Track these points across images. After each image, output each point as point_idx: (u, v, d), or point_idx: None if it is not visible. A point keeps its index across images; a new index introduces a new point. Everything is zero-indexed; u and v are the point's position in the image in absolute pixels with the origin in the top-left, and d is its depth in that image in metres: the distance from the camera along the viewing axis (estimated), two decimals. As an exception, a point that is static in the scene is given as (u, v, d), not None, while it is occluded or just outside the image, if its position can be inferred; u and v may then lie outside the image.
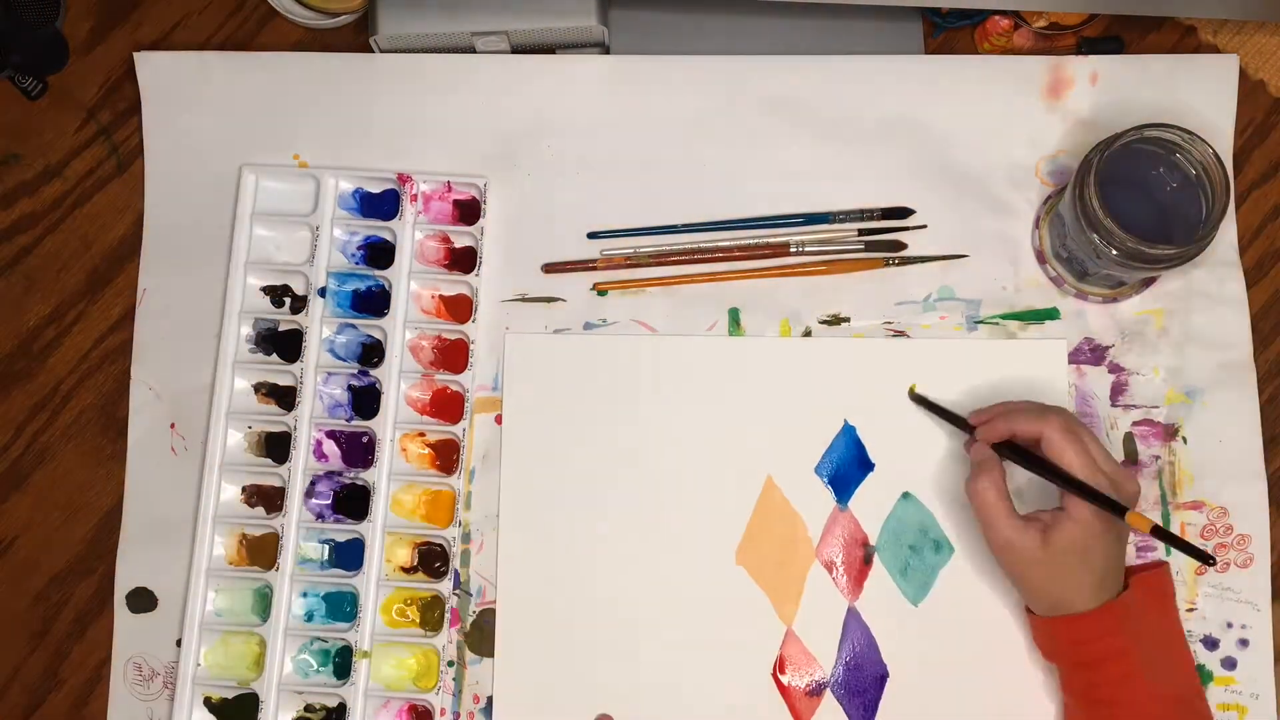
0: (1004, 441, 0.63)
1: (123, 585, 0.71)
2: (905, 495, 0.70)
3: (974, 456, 0.64)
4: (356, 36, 0.76)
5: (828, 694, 0.68)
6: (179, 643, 0.70)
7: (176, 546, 0.70)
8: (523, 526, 0.70)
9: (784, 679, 0.69)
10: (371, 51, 0.74)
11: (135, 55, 0.74)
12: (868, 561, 0.70)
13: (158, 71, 0.74)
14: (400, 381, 0.71)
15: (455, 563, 0.70)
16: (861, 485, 0.70)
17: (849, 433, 0.71)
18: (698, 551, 0.70)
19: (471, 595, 0.70)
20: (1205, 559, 0.58)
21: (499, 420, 0.71)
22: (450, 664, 0.69)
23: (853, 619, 0.69)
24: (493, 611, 0.70)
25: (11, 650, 0.71)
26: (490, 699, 0.69)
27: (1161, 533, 0.58)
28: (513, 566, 0.70)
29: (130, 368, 0.72)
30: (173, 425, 0.72)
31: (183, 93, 0.74)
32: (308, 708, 0.69)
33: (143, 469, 0.72)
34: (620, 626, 0.69)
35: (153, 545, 0.71)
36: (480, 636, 0.69)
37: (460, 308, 0.72)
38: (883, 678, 0.68)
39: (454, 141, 0.73)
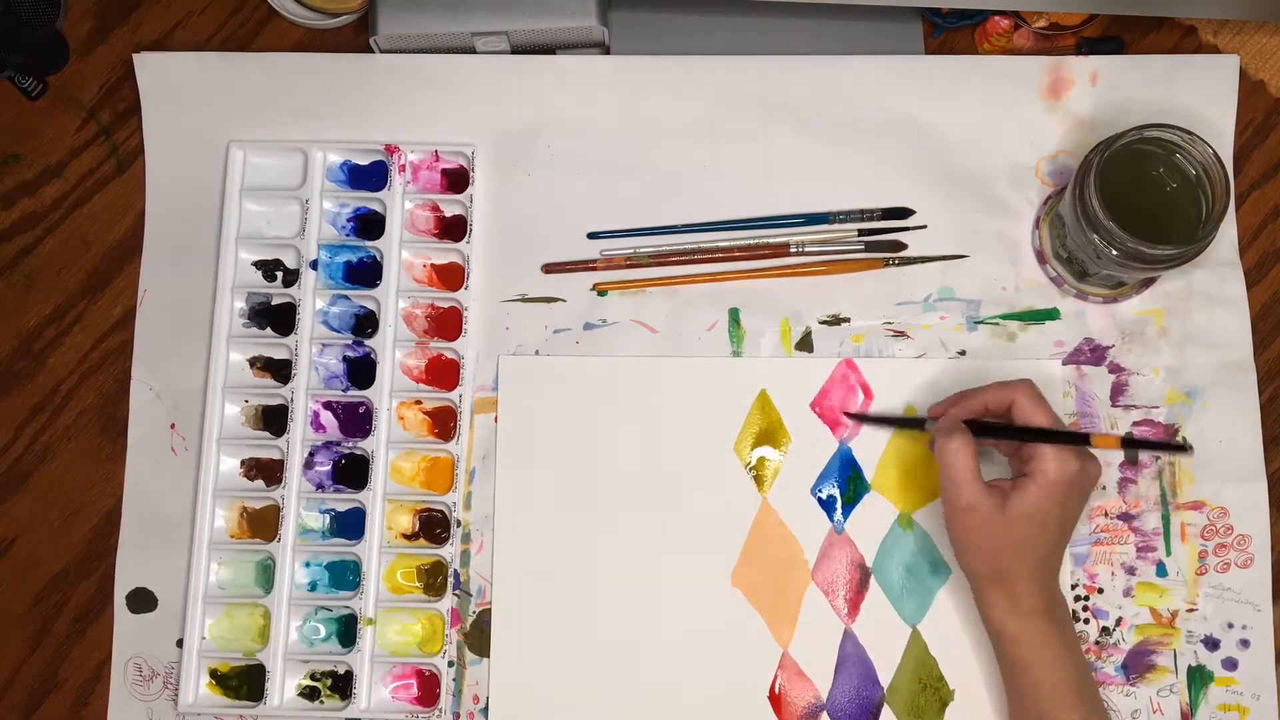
0: (967, 421, 0.63)
1: (122, 585, 0.70)
2: (901, 516, 0.70)
3: (945, 424, 0.63)
4: (356, 36, 0.76)
5: (824, 717, 0.68)
6: (179, 643, 0.70)
7: (176, 547, 0.70)
8: (518, 549, 0.70)
9: (780, 702, 0.68)
10: (371, 51, 0.74)
11: (135, 56, 0.74)
12: (864, 584, 0.69)
13: (157, 72, 0.74)
14: (395, 350, 0.71)
15: (455, 548, 0.70)
16: (858, 507, 0.70)
17: (845, 454, 0.70)
18: (693, 574, 0.69)
19: (471, 595, 0.70)
20: (1182, 448, 0.60)
21: (498, 421, 0.71)
22: (450, 664, 0.69)
23: (849, 642, 0.69)
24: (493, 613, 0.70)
25: (11, 650, 0.71)
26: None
27: (1133, 441, 0.59)
28: (508, 591, 0.69)
29: (130, 368, 0.72)
30: (173, 425, 0.72)
31: (182, 93, 0.74)
32: (314, 676, 0.69)
33: (143, 469, 0.72)
34: (616, 649, 0.69)
35: (153, 545, 0.71)
36: (480, 637, 0.69)
37: (452, 276, 0.72)
38: (880, 701, 0.68)
39: (454, 141, 0.73)
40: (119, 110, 0.75)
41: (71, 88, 0.75)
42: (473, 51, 0.74)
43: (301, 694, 0.69)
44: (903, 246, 0.72)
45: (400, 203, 0.72)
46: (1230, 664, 0.68)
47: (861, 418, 0.70)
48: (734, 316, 0.72)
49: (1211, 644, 0.69)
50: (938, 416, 0.65)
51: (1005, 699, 0.64)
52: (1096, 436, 0.60)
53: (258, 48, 0.76)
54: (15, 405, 0.73)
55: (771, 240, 0.72)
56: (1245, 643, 0.68)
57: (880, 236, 0.72)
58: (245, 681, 0.69)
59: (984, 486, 0.61)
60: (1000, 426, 0.63)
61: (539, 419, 0.71)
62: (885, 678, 0.68)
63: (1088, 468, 0.61)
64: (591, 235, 0.73)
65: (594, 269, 0.72)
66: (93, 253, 0.74)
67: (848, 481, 0.70)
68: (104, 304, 0.74)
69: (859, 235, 0.72)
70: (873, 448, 0.70)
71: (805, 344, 0.71)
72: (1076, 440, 0.61)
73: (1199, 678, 0.68)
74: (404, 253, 0.72)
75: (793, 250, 0.72)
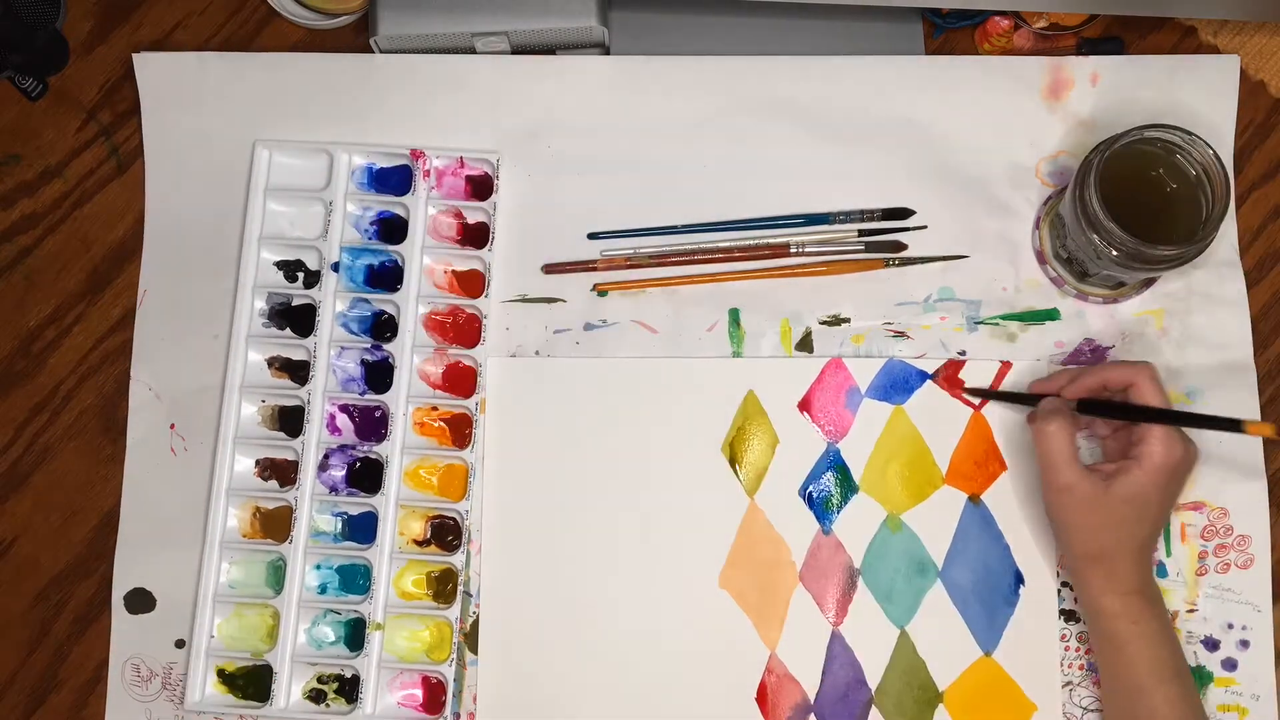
0: (1079, 400, 0.65)
1: (120, 586, 0.71)
2: (890, 518, 0.70)
3: (1045, 407, 0.65)
4: (356, 37, 0.76)
5: (811, 718, 0.68)
6: (179, 643, 0.70)
7: (175, 547, 0.70)
8: (506, 548, 0.70)
9: (767, 703, 0.68)
10: (371, 52, 0.74)
11: (134, 56, 0.74)
12: (852, 585, 0.69)
13: (157, 72, 0.74)
14: (413, 356, 0.71)
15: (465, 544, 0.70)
16: (846, 508, 0.70)
17: (833, 455, 0.70)
18: (681, 575, 0.69)
19: (472, 596, 0.70)
20: None
21: (486, 422, 0.71)
22: (450, 663, 0.69)
23: (837, 643, 0.69)
24: (492, 612, 0.70)
25: (11, 651, 0.71)
26: (490, 699, 0.69)
27: None
28: (495, 591, 0.69)
29: (130, 368, 0.72)
30: (172, 425, 0.72)
31: (182, 93, 0.74)
32: (321, 679, 0.69)
33: (142, 469, 0.72)
34: (601, 648, 0.69)
35: (151, 546, 0.71)
36: (478, 640, 0.69)
37: (473, 283, 0.72)
38: (867, 703, 0.68)
39: (454, 142, 0.73)
40: (119, 110, 0.75)
41: (71, 88, 0.75)
42: (473, 51, 0.74)
43: (308, 696, 0.69)
44: (903, 247, 0.72)
45: (424, 208, 0.72)
46: (1230, 664, 0.68)
47: (978, 392, 0.70)
48: (734, 317, 0.72)
49: (1211, 644, 0.69)
50: (1044, 395, 0.66)
51: (1101, 675, 0.64)
52: (1251, 424, 0.60)
53: (258, 48, 0.76)
54: (15, 405, 0.73)
55: (771, 240, 0.72)
56: (1245, 643, 0.68)
57: (880, 237, 0.72)
58: (252, 682, 0.69)
59: (1083, 469, 0.63)
60: (1111, 407, 0.64)
61: (526, 420, 0.71)
62: (873, 679, 0.68)
63: (1190, 452, 0.63)
64: (591, 235, 0.73)
65: (594, 269, 0.72)
66: (93, 253, 0.74)
67: (836, 483, 0.70)
68: (104, 304, 0.74)
69: (859, 235, 0.72)
70: (861, 449, 0.70)
71: (805, 344, 0.71)
72: (1203, 423, 0.62)
73: (1198, 678, 0.68)
74: (425, 258, 0.72)
75: (793, 250, 0.72)
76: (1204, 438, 0.70)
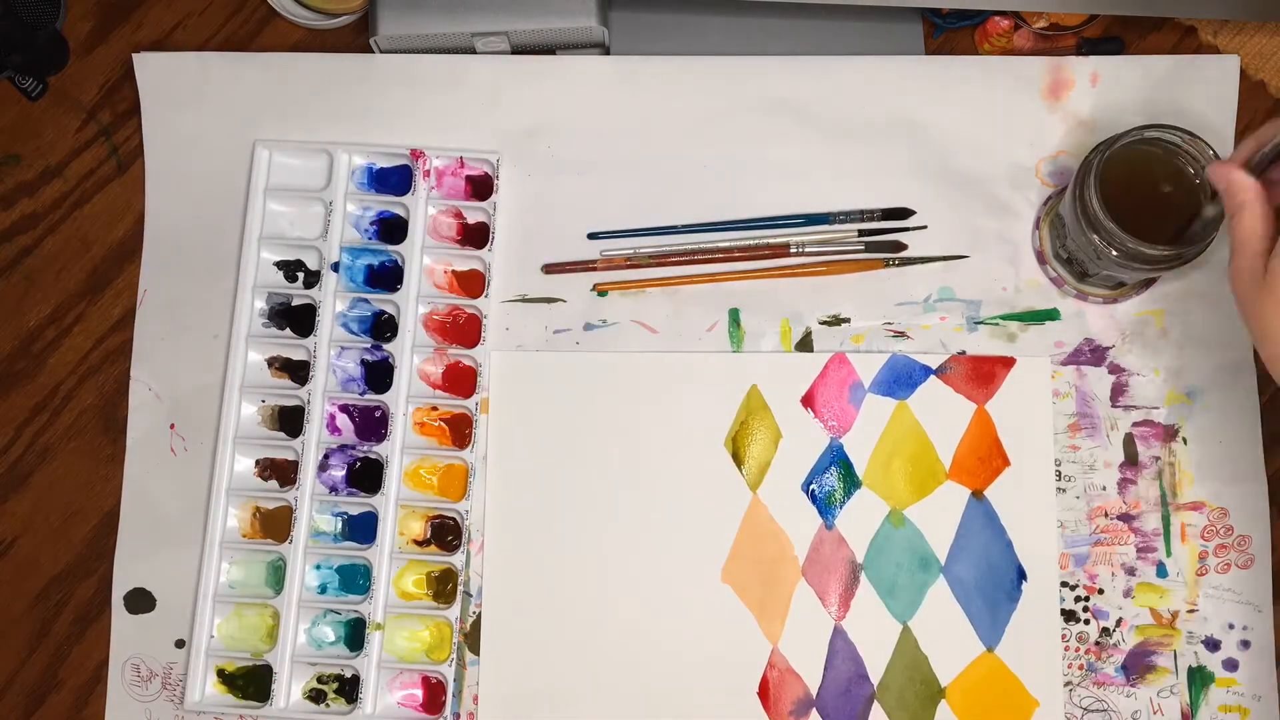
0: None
1: (120, 586, 0.71)
2: (893, 513, 0.70)
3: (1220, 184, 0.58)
4: (356, 37, 0.76)
5: (813, 714, 0.68)
6: (179, 643, 0.70)
7: (175, 547, 0.70)
8: (508, 543, 0.70)
9: (769, 698, 0.68)
10: (371, 52, 0.74)
11: (134, 56, 0.74)
12: (854, 580, 0.69)
13: (157, 72, 0.74)
14: (413, 356, 0.71)
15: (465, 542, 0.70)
16: (849, 503, 0.70)
17: (836, 450, 0.70)
18: (683, 569, 0.69)
19: (472, 596, 0.70)
20: None
21: (490, 417, 0.71)
22: (450, 663, 0.69)
23: (839, 638, 0.69)
24: (492, 612, 0.70)
25: (11, 651, 0.71)
26: (490, 700, 0.69)
27: None
28: (496, 589, 0.69)
29: (130, 368, 0.72)
30: (172, 425, 0.72)
31: (182, 93, 0.74)
32: (321, 679, 0.69)
33: (142, 469, 0.71)
34: (604, 643, 0.69)
35: (151, 546, 0.71)
36: (480, 637, 0.69)
37: (473, 283, 0.72)
38: (870, 698, 0.68)
39: (454, 142, 0.73)
40: (119, 110, 0.75)
41: (71, 88, 0.75)
42: (473, 51, 0.74)
43: (308, 696, 0.69)
44: (903, 247, 0.72)
45: (424, 208, 0.72)
46: (1231, 665, 0.68)
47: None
48: (734, 317, 0.72)
49: (1212, 645, 0.69)
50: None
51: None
52: None
53: (258, 48, 0.76)
54: (15, 405, 0.73)
55: (771, 240, 0.72)
56: (1246, 644, 0.68)
57: (880, 237, 0.72)
58: (252, 682, 0.69)
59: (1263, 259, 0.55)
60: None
61: (529, 415, 0.71)
62: (876, 674, 0.68)
63: None
64: (591, 235, 0.73)
65: (594, 269, 0.72)
66: (93, 253, 0.74)
67: (839, 477, 0.70)
68: (104, 304, 0.74)
69: (859, 235, 0.72)
70: (864, 444, 0.70)
71: (805, 344, 0.71)
72: None
73: (1199, 678, 0.68)
74: (425, 258, 0.72)
75: (793, 250, 0.72)
76: (1206, 437, 0.70)
